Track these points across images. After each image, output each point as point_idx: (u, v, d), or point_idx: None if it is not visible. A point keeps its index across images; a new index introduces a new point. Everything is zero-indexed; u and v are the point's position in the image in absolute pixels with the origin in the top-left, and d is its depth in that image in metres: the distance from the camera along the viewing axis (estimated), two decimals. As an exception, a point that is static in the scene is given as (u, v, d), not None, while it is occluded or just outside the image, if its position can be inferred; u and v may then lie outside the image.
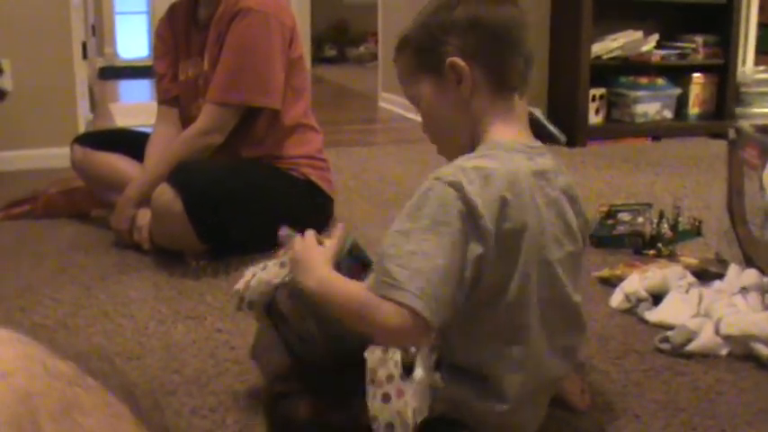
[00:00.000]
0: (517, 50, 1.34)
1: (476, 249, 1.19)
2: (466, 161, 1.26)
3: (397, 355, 1.26)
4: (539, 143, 1.38)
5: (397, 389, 1.22)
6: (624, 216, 2.59)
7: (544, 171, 1.31)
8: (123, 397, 0.48)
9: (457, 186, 1.19)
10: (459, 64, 1.31)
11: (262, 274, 1.46)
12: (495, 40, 1.33)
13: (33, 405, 0.42)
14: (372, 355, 1.26)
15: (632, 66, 4.61)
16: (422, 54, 1.36)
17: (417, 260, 1.15)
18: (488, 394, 1.27)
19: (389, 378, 1.23)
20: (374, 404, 1.22)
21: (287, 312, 1.42)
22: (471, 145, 1.33)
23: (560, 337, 1.33)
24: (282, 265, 1.44)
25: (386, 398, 1.22)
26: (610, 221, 2.58)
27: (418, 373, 1.25)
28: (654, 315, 1.93)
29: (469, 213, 1.18)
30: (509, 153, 1.29)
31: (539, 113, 4.37)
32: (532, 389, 1.31)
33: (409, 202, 1.22)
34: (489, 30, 1.33)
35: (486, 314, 1.25)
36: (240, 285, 1.47)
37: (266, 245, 2.44)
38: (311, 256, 1.33)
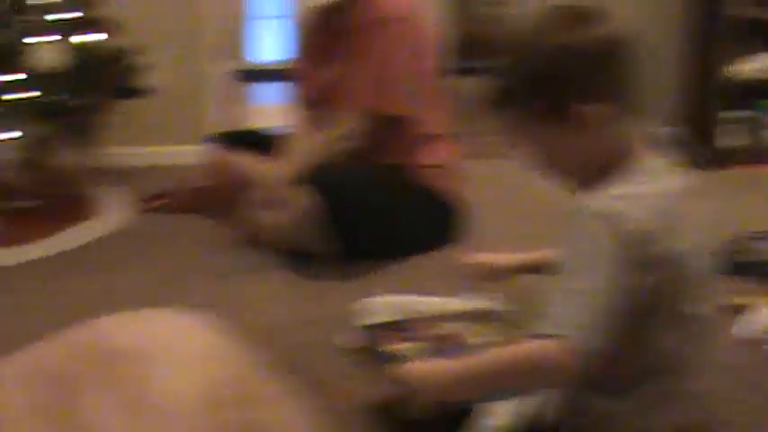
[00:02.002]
0: (631, 71, 1.27)
1: (641, 278, 1.17)
2: (612, 189, 1.22)
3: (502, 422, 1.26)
4: (670, 162, 1.33)
5: None
6: (763, 244, 2.50)
7: (683, 190, 1.29)
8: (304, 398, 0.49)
9: (611, 219, 1.16)
10: (585, 110, 1.23)
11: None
12: (609, 70, 1.25)
13: (221, 392, 0.43)
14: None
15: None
16: (537, 105, 1.25)
17: (576, 298, 1.14)
18: None
19: None
20: None
21: None
22: (604, 172, 1.26)
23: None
24: None
25: None
26: (747, 248, 2.49)
27: None
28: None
29: (626, 243, 1.16)
30: (652, 176, 1.26)
31: (672, 133, 4.26)
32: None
33: (568, 242, 1.20)
34: (601, 60, 1.24)
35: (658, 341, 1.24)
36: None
37: (390, 257, 2.48)
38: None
